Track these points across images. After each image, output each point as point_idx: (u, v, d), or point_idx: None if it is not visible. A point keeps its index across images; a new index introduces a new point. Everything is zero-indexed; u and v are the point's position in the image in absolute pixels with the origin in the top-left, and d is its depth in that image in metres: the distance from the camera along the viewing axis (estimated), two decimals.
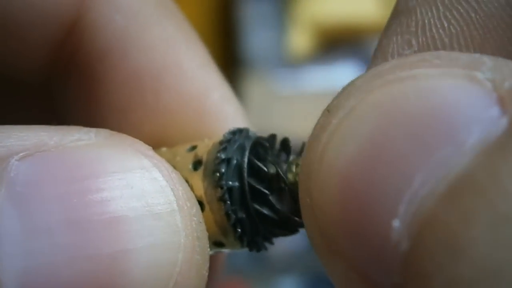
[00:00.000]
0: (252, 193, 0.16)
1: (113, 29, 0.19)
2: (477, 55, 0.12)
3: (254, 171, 0.16)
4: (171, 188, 0.14)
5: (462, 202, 0.10)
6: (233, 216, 0.16)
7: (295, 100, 0.80)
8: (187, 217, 0.14)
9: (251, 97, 0.79)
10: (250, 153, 0.17)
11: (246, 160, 0.17)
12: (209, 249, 0.15)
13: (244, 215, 0.16)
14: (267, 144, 0.17)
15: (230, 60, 0.89)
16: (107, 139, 0.14)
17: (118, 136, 0.14)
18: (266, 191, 0.16)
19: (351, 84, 0.14)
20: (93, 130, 0.14)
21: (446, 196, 0.11)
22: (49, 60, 0.20)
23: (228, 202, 0.16)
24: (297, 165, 0.17)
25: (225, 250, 0.18)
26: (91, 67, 0.19)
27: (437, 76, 0.12)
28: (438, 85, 0.11)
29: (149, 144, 0.15)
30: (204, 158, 0.17)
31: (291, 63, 0.82)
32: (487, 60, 0.12)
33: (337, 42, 0.81)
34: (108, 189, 0.13)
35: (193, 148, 0.17)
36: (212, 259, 0.22)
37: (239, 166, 0.17)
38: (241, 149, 0.17)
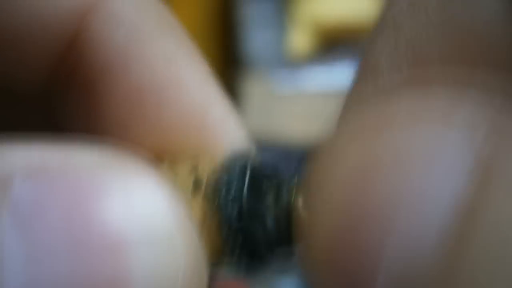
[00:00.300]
0: (250, 219, 0.16)
1: (115, 44, 0.19)
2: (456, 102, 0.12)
3: (253, 198, 0.17)
4: (173, 210, 0.14)
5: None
6: (231, 243, 0.16)
7: (295, 100, 0.80)
8: (187, 240, 0.14)
9: (251, 97, 0.79)
10: (251, 179, 0.17)
11: (245, 186, 0.17)
12: (207, 271, 0.15)
13: (241, 242, 0.17)
14: (268, 169, 0.17)
15: (230, 60, 0.89)
16: (110, 159, 0.14)
17: (121, 155, 0.14)
18: (265, 218, 0.16)
19: (327, 146, 0.14)
20: (96, 148, 0.14)
21: None
22: (49, 73, 0.20)
23: (226, 229, 0.16)
24: (295, 194, 0.17)
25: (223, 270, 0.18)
26: (91, 81, 0.19)
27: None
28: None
29: (149, 159, 0.15)
30: (204, 181, 0.17)
31: (291, 63, 0.82)
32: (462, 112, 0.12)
33: (337, 42, 0.81)
34: (109, 211, 0.13)
35: (194, 169, 0.17)
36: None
37: (239, 193, 0.17)
38: (242, 174, 0.17)
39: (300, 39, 0.81)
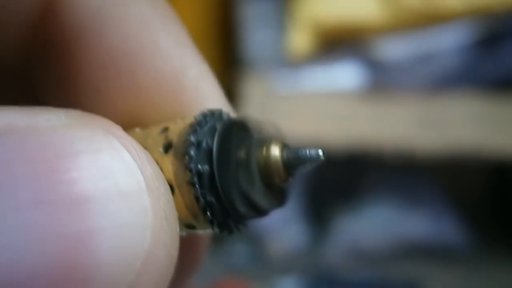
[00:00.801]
0: (221, 176, 0.16)
1: (88, 7, 0.18)
2: None
3: (224, 154, 0.16)
4: (139, 168, 0.14)
5: None
6: (202, 200, 0.16)
7: (295, 100, 0.80)
8: (155, 196, 0.14)
9: (251, 97, 0.79)
10: (221, 135, 0.16)
11: (216, 143, 0.16)
12: (179, 230, 0.15)
13: (213, 199, 0.16)
14: (241, 126, 0.17)
15: (230, 60, 0.89)
16: (77, 120, 0.14)
17: (88, 117, 0.14)
18: (236, 175, 0.16)
19: None
20: (63, 111, 0.14)
21: None
22: (26, 40, 0.19)
23: (197, 186, 0.16)
24: (267, 148, 0.17)
25: (198, 232, 0.18)
26: (66, 47, 0.19)
27: None
28: None
29: (124, 124, 0.15)
30: (175, 141, 0.17)
31: (291, 63, 0.82)
32: None
33: (337, 42, 0.81)
34: (76, 169, 0.13)
35: (165, 130, 0.17)
36: (194, 242, 0.22)
37: (209, 149, 0.16)
38: (212, 131, 0.17)
39: (300, 39, 0.81)
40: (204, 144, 0.16)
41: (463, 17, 0.75)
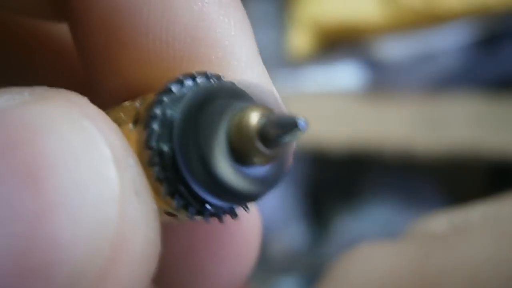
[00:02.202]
0: (185, 156, 0.13)
1: None
2: None
3: (193, 127, 0.14)
4: (105, 139, 0.13)
5: None
6: (165, 184, 0.14)
7: (295, 100, 0.80)
8: (122, 167, 0.13)
9: None
10: (188, 105, 0.14)
11: (179, 114, 0.14)
12: (155, 211, 0.13)
13: (178, 183, 0.14)
14: (229, 93, 0.14)
15: None
16: (40, 96, 0.13)
17: (53, 92, 0.13)
18: (202, 151, 0.13)
19: None
20: (28, 89, 0.13)
21: None
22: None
23: (158, 167, 0.14)
24: (242, 116, 0.14)
25: (182, 220, 0.15)
26: (73, 8, 0.17)
27: None
28: None
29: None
30: (142, 114, 0.14)
31: (291, 63, 0.82)
32: None
33: (337, 42, 0.81)
34: (31, 142, 0.12)
35: (142, 101, 0.15)
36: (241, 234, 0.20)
37: (172, 123, 0.14)
38: (180, 101, 0.14)
39: (300, 39, 0.81)
40: (168, 117, 0.14)
41: (463, 17, 0.75)
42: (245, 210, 0.15)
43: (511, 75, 0.75)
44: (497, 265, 0.20)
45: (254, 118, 0.14)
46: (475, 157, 0.74)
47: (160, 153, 0.14)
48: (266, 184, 0.15)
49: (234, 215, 0.15)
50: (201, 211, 0.14)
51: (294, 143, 0.15)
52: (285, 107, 0.15)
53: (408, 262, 0.24)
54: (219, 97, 0.14)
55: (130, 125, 0.14)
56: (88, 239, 0.12)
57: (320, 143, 0.78)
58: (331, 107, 0.79)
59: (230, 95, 0.14)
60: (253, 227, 0.20)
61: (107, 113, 0.15)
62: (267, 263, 0.87)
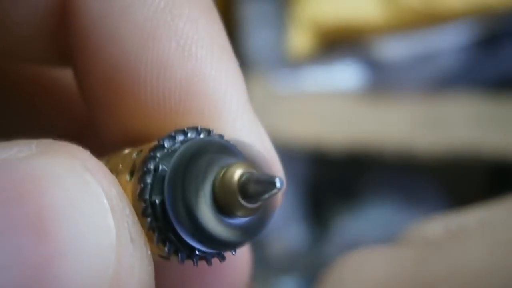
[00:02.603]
0: (175, 208, 0.15)
1: (91, 16, 0.17)
2: None
3: (184, 180, 0.15)
4: (103, 190, 0.14)
5: None
6: (157, 233, 0.15)
7: (295, 100, 0.80)
8: (118, 217, 0.14)
9: (251, 97, 0.79)
10: (179, 159, 0.15)
11: (170, 168, 0.15)
12: (149, 256, 0.15)
13: (169, 232, 0.15)
14: (220, 149, 0.15)
15: None
16: (46, 149, 0.14)
17: (58, 145, 0.14)
18: (191, 204, 0.15)
19: None
20: (35, 141, 0.14)
21: None
22: (46, 48, 0.19)
23: (150, 217, 0.15)
24: (227, 171, 0.15)
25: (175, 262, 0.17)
26: (75, 58, 0.18)
27: None
28: None
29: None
30: (137, 167, 0.16)
31: (291, 63, 0.82)
32: None
33: (337, 42, 0.81)
34: (38, 194, 0.13)
35: (139, 152, 0.16)
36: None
37: (163, 177, 0.15)
38: (171, 156, 0.15)
39: (300, 39, 0.81)
40: (160, 171, 0.15)
41: (463, 17, 0.75)
42: (232, 254, 0.17)
43: (511, 75, 0.75)
44: (493, 273, 0.20)
45: (237, 174, 0.15)
46: (475, 157, 0.74)
47: (153, 205, 0.15)
48: (249, 233, 0.16)
49: (222, 258, 0.16)
50: (191, 256, 0.16)
51: (277, 198, 0.17)
52: (270, 159, 0.17)
53: (403, 268, 0.24)
54: (207, 152, 0.15)
55: (127, 176, 0.16)
56: (89, 284, 0.13)
57: (320, 143, 0.78)
58: (331, 107, 0.79)
59: (218, 150, 0.15)
60: (243, 257, 0.22)
61: (108, 160, 0.16)
62: (267, 263, 0.87)
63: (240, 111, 0.18)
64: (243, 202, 0.15)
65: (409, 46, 0.78)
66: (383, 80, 0.78)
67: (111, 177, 0.14)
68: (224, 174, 0.15)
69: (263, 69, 0.83)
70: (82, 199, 0.13)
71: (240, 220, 0.16)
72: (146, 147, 0.16)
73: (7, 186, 0.13)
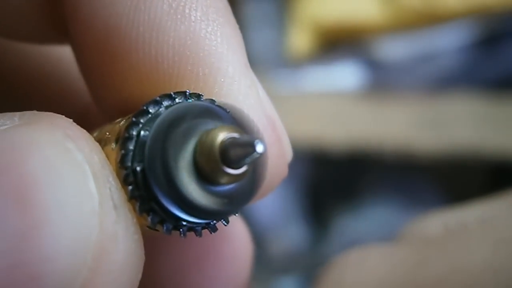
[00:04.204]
0: (156, 175, 0.14)
1: None
2: None
3: (166, 146, 0.14)
4: (84, 157, 0.14)
5: None
6: (139, 202, 0.14)
7: (295, 100, 0.80)
8: (101, 184, 0.14)
9: None
10: (160, 126, 0.14)
11: (151, 135, 0.14)
12: (135, 224, 0.14)
13: (151, 201, 0.14)
14: (206, 113, 0.15)
15: None
16: (28, 120, 0.14)
17: (39, 115, 0.14)
18: (171, 171, 0.14)
19: None
20: (18, 113, 0.14)
21: None
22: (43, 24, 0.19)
23: (132, 186, 0.14)
24: (208, 135, 0.14)
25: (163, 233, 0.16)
26: (69, 28, 0.18)
27: None
28: None
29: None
30: (121, 134, 0.15)
31: (291, 63, 0.82)
32: None
33: (337, 42, 0.81)
34: (18, 163, 0.13)
35: (127, 120, 0.15)
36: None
37: (144, 143, 0.14)
38: (153, 122, 0.14)
39: (300, 39, 0.81)
40: (142, 137, 0.14)
41: (463, 17, 0.75)
42: (224, 224, 0.16)
43: (511, 75, 0.75)
44: (495, 272, 0.20)
45: (219, 138, 0.14)
46: (475, 157, 0.74)
47: (134, 172, 0.14)
48: (235, 201, 0.15)
49: (212, 229, 0.16)
50: (177, 227, 0.15)
51: (264, 164, 0.16)
52: (257, 126, 0.16)
53: (403, 267, 0.23)
54: (190, 116, 0.15)
55: (113, 144, 0.15)
56: (72, 252, 0.13)
57: (320, 143, 0.78)
58: (331, 107, 0.79)
59: (202, 114, 0.15)
60: (243, 247, 0.22)
61: (100, 130, 0.16)
62: (267, 263, 0.87)
63: (237, 75, 0.17)
64: (225, 168, 0.14)
65: (409, 46, 0.78)
66: (383, 80, 0.78)
67: (93, 144, 0.14)
68: (205, 138, 0.14)
69: (263, 69, 0.83)
70: (62, 166, 0.13)
71: (225, 188, 0.15)
72: (129, 116, 0.15)
73: None
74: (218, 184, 0.15)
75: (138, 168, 0.14)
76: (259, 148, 0.14)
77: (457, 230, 0.24)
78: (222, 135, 0.14)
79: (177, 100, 0.15)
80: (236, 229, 0.22)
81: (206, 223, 0.15)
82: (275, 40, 0.85)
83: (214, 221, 0.16)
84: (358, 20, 0.78)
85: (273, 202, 0.88)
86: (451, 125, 0.75)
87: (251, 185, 0.15)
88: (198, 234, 0.15)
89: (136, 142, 0.14)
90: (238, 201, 0.15)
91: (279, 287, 0.85)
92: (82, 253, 0.13)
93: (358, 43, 0.80)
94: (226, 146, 0.14)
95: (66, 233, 0.13)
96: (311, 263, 0.86)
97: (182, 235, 0.15)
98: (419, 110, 0.75)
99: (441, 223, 0.26)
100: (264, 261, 0.87)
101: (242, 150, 0.14)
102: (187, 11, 0.16)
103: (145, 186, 0.14)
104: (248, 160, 0.14)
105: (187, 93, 0.15)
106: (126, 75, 0.17)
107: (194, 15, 0.16)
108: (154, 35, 0.16)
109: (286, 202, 0.90)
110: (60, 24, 0.19)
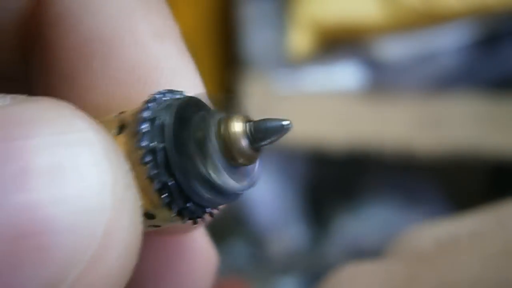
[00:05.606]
0: (177, 154, 0.15)
1: None
2: None
3: (181, 132, 0.15)
4: (96, 135, 0.13)
5: None
6: (157, 180, 0.15)
7: (295, 100, 0.80)
8: (114, 162, 0.13)
9: (251, 97, 0.79)
10: (177, 111, 0.15)
11: (169, 118, 0.15)
12: (141, 208, 0.14)
13: (169, 179, 0.15)
14: (202, 106, 0.16)
15: (230, 60, 0.89)
16: (23, 100, 0.13)
17: (35, 97, 0.14)
18: (194, 155, 0.15)
19: None
20: (8, 95, 0.13)
21: None
22: (19, 37, 0.19)
23: (150, 164, 0.15)
24: (227, 124, 0.15)
25: (159, 225, 0.16)
26: (46, 36, 0.19)
27: None
28: None
29: (94, 113, 0.15)
30: (129, 121, 0.16)
31: (291, 63, 0.82)
32: None
33: (337, 42, 0.81)
34: (24, 136, 0.13)
35: (121, 113, 0.16)
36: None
37: (162, 125, 0.15)
38: (168, 108, 0.15)
39: (300, 39, 0.81)
40: (158, 121, 0.15)
41: (463, 17, 0.75)
42: (217, 210, 0.17)
43: (511, 75, 0.75)
44: (484, 287, 0.21)
45: (239, 126, 0.16)
46: (475, 157, 0.74)
47: (153, 151, 0.15)
48: (249, 181, 0.16)
49: (211, 215, 0.17)
50: (182, 212, 0.15)
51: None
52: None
53: (395, 283, 0.24)
54: (201, 107, 0.16)
55: (114, 132, 0.16)
56: (82, 225, 0.13)
57: (320, 143, 0.78)
58: (331, 107, 0.79)
59: (207, 107, 0.16)
60: (204, 262, 0.22)
61: None
62: (267, 263, 0.87)
63: (189, 88, 0.18)
64: (247, 149, 0.16)
65: (409, 46, 0.78)
66: (383, 80, 0.79)
67: (99, 125, 0.14)
68: (227, 123, 0.15)
69: (263, 69, 0.83)
70: (74, 144, 0.13)
71: (241, 169, 0.16)
72: (130, 109, 0.16)
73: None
74: (236, 164, 0.16)
75: (158, 147, 0.15)
76: (288, 126, 0.16)
77: (448, 244, 0.24)
78: (241, 119, 0.16)
79: (176, 93, 0.16)
80: (197, 244, 0.22)
81: (205, 212, 0.16)
82: (275, 40, 0.85)
83: (216, 207, 0.16)
84: (358, 20, 0.78)
85: (273, 202, 0.88)
86: (451, 125, 0.75)
87: (258, 166, 0.17)
88: (196, 222, 0.16)
89: (151, 123, 0.15)
90: (251, 180, 0.16)
91: (279, 287, 0.85)
92: (93, 228, 0.13)
93: (358, 43, 0.80)
94: (251, 129, 0.16)
95: (76, 208, 0.13)
96: (311, 263, 0.86)
97: (183, 220, 0.16)
98: (419, 110, 0.76)
99: (432, 237, 0.26)
100: (264, 261, 0.87)
101: (269, 132, 0.16)
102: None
103: (165, 164, 0.15)
104: (274, 138, 0.16)
105: (174, 90, 0.16)
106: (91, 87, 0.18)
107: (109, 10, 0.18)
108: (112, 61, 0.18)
109: (286, 202, 0.90)
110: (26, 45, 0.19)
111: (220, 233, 0.84)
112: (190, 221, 0.16)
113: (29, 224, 0.12)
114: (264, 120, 0.16)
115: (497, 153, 0.73)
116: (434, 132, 0.75)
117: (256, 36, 0.85)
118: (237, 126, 0.15)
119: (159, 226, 0.16)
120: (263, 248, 0.88)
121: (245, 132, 0.16)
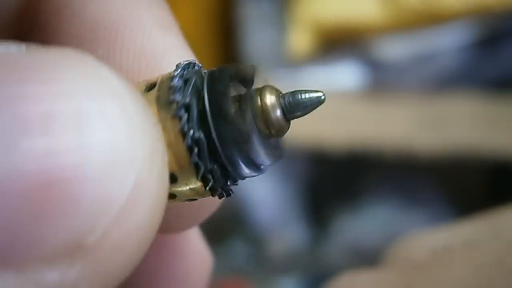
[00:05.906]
0: (213, 113, 0.15)
1: None
2: None
3: (214, 97, 0.15)
4: (125, 86, 0.13)
5: None
6: (190, 134, 0.14)
7: None
8: (141, 112, 0.13)
9: None
10: (210, 76, 0.15)
11: (206, 79, 0.15)
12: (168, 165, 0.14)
13: (202, 135, 0.15)
14: (231, 75, 0.16)
15: (230, 60, 0.89)
16: (42, 47, 0.13)
17: (54, 47, 0.13)
18: (230, 116, 0.15)
19: None
20: (24, 44, 0.13)
21: None
22: (16, 23, 0.19)
23: (184, 118, 0.14)
24: (263, 97, 0.16)
25: (175, 196, 0.16)
26: (47, 24, 0.18)
27: None
28: None
29: None
30: (158, 80, 0.15)
31: (291, 63, 0.82)
32: None
33: (337, 42, 0.81)
34: (51, 81, 0.12)
35: (147, 80, 0.16)
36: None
37: (197, 84, 0.15)
38: (199, 73, 0.15)
39: (300, 39, 0.81)
40: (192, 81, 0.15)
41: (463, 17, 0.75)
42: (231, 193, 0.16)
43: (511, 75, 0.75)
44: None
45: (274, 99, 0.16)
46: (475, 157, 0.74)
47: (187, 106, 0.15)
48: (281, 151, 0.17)
49: (227, 193, 0.16)
50: (205, 177, 0.15)
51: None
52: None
53: None
54: (230, 78, 0.16)
55: (143, 90, 0.15)
56: (114, 174, 0.12)
57: (320, 143, 0.78)
58: (331, 107, 0.79)
59: (238, 77, 0.16)
60: (199, 265, 0.22)
61: None
62: (267, 263, 0.87)
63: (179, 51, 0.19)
64: (281, 121, 0.16)
65: (409, 46, 0.78)
66: (383, 80, 0.79)
67: (124, 78, 0.13)
68: (261, 91, 0.16)
69: (263, 69, 0.83)
70: (99, 90, 0.12)
71: (271, 141, 0.16)
72: (156, 77, 0.16)
73: (11, 80, 0.11)
74: (269, 134, 0.16)
75: (192, 102, 0.15)
76: (321, 95, 0.16)
77: (442, 254, 0.25)
78: (273, 92, 0.16)
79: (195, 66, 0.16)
80: (192, 246, 0.22)
81: (226, 185, 0.16)
82: (275, 40, 0.85)
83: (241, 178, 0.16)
84: (358, 20, 0.78)
85: (273, 202, 0.88)
86: (450, 125, 0.75)
87: (282, 140, 0.17)
88: (214, 194, 0.16)
89: (185, 82, 0.15)
90: (279, 152, 0.16)
91: (279, 287, 0.85)
92: (124, 177, 0.12)
93: (358, 43, 0.80)
94: (289, 105, 0.16)
95: (107, 154, 0.12)
96: (311, 263, 0.86)
97: (204, 193, 0.15)
98: (419, 110, 0.75)
99: (427, 246, 0.26)
100: (264, 261, 0.87)
101: (305, 104, 0.16)
102: None
103: (199, 119, 0.15)
104: (310, 109, 0.16)
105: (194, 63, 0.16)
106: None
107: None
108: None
109: (286, 202, 0.90)
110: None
111: (220, 233, 0.84)
112: (209, 192, 0.15)
113: (55, 171, 0.11)
114: (299, 91, 0.16)
115: (497, 153, 0.73)
116: (434, 132, 0.75)
117: (256, 36, 0.85)
118: (272, 97, 0.16)
119: (174, 197, 0.16)
120: (263, 248, 0.88)
121: (279, 103, 0.16)
